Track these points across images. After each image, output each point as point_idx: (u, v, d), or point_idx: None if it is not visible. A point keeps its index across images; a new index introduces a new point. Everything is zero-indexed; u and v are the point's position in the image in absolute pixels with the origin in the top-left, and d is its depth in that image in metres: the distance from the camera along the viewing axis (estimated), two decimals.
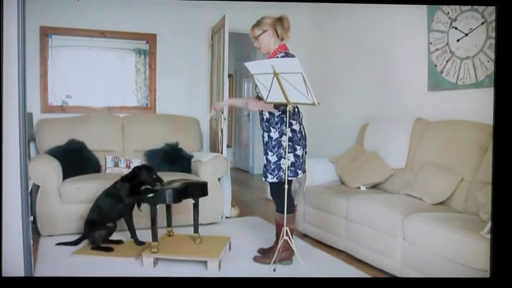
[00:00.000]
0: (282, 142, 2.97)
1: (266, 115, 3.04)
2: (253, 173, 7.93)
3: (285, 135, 2.95)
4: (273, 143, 3.01)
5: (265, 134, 3.06)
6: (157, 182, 3.20)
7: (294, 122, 3.01)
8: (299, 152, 3.03)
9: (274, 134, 3.00)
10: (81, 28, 4.59)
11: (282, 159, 2.97)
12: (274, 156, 3.01)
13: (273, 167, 3.02)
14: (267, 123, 3.05)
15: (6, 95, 2.25)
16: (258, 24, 3.02)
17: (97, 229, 3.25)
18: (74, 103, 4.70)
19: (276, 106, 2.89)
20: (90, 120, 4.48)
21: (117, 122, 4.58)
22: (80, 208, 3.62)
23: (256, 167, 7.84)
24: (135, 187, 3.25)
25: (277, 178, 3.02)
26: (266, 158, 3.05)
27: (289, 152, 2.98)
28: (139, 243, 3.34)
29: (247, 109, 3.13)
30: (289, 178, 3.01)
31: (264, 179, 3.10)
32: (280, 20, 2.97)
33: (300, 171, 3.06)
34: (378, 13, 4.25)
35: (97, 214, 3.28)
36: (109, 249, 3.24)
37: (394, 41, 4.10)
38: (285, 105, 2.83)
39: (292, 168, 3.01)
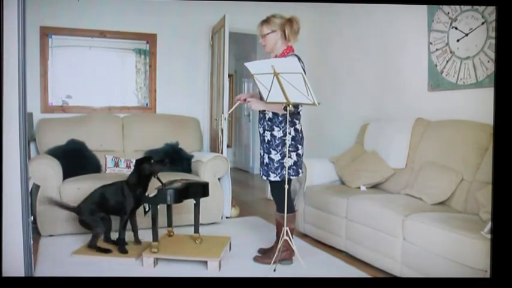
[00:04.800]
0: (286, 141, 2.98)
1: (269, 114, 3.04)
2: (253, 173, 7.94)
3: (289, 134, 2.96)
4: (277, 141, 3.01)
5: (267, 133, 3.05)
6: (163, 164, 3.22)
7: (297, 122, 3.02)
8: (300, 151, 3.05)
9: (278, 133, 3.00)
10: (81, 28, 4.59)
11: (285, 158, 2.97)
12: (278, 155, 3.01)
13: (276, 165, 3.02)
14: (269, 122, 3.04)
15: (6, 95, 2.25)
16: (267, 21, 2.99)
17: (96, 225, 3.22)
18: (74, 103, 4.70)
19: (285, 108, 2.85)
20: (90, 120, 4.48)
21: (117, 122, 4.59)
22: None
23: (256, 167, 7.83)
24: (144, 181, 3.23)
25: (280, 177, 3.02)
26: (268, 157, 3.05)
27: (292, 151, 2.99)
28: (138, 242, 3.33)
29: (249, 108, 3.11)
30: (292, 177, 3.03)
31: (265, 177, 3.10)
32: (290, 21, 2.96)
33: (300, 171, 3.08)
34: (378, 13, 4.25)
35: (99, 204, 3.25)
36: (107, 251, 3.20)
37: (394, 41, 4.10)
38: (296, 106, 2.86)
39: (294, 167, 3.02)
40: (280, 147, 3.00)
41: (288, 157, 2.98)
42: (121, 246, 3.21)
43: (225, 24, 4.47)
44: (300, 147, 3.04)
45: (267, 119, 3.06)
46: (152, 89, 4.95)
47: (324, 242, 3.62)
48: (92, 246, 3.21)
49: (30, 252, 2.40)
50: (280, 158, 3.01)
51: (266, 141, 3.06)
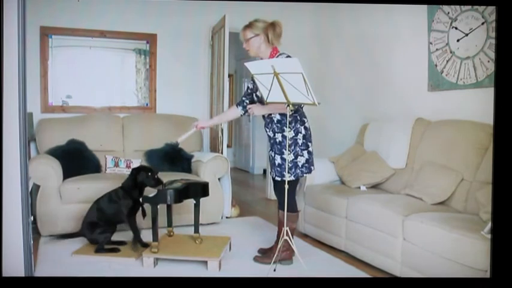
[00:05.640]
0: (298, 140, 3.00)
1: (277, 117, 3.04)
2: (253, 173, 7.93)
3: (300, 132, 3.00)
4: (289, 141, 3.02)
5: (278, 135, 3.04)
6: (157, 184, 3.15)
7: (305, 120, 3.06)
8: (311, 148, 3.08)
9: (290, 133, 3.01)
10: (81, 28, 4.59)
11: (299, 157, 3.02)
12: (291, 154, 3.02)
13: (290, 165, 3.02)
14: (278, 124, 3.04)
15: (6, 95, 2.25)
16: (250, 26, 3.03)
17: (102, 232, 3.22)
18: (74, 103, 4.70)
19: (288, 106, 2.84)
20: (90, 120, 4.48)
21: (118, 122, 4.58)
22: (80, 208, 3.61)
23: (256, 167, 7.84)
24: (137, 190, 3.23)
25: (294, 176, 3.03)
26: (281, 158, 3.05)
27: (303, 149, 3.03)
28: (144, 244, 3.29)
29: (251, 114, 3.12)
30: (305, 174, 3.09)
31: (279, 178, 3.07)
32: (273, 25, 3.00)
33: (312, 168, 3.11)
34: (378, 13, 4.25)
35: (99, 217, 3.25)
36: (115, 250, 3.22)
37: (394, 41, 4.10)
38: (299, 105, 2.87)
39: (306, 164, 3.06)
40: (292, 147, 3.02)
41: (300, 155, 3.02)
42: (141, 242, 3.25)
43: (225, 24, 4.47)
44: (310, 144, 3.07)
45: (275, 121, 3.05)
46: (152, 89, 4.95)
47: (324, 242, 3.62)
48: (100, 251, 3.19)
49: (30, 252, 2.40)
50: (293, 157, 3.02)
51: (278, 142, 3.06)
